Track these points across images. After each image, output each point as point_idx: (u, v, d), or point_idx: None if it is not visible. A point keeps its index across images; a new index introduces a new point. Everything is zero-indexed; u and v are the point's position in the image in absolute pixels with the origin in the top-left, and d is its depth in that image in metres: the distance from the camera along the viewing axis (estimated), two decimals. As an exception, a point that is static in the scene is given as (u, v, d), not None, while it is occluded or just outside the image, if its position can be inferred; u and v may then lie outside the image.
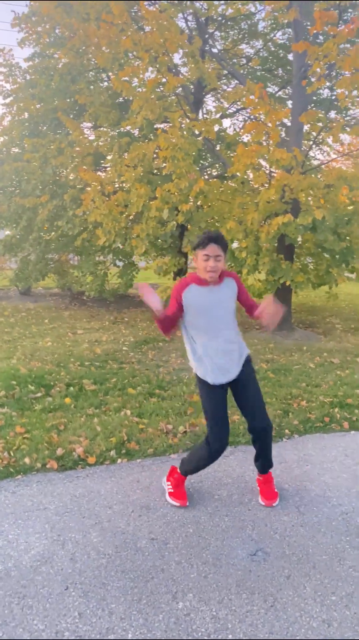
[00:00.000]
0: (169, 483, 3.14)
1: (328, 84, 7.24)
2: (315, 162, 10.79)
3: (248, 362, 3.05)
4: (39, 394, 4.94)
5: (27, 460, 3.54)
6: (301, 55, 7.16)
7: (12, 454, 3.63)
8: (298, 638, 2.00)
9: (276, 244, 7.93)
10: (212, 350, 2.89)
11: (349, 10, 8.60)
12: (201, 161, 10.19)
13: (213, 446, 2.87)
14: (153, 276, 18.97)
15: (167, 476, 3.22)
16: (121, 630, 2.03)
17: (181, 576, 2.37)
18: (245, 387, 2.99)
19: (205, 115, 12.80)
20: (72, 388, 5.16)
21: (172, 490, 3.09)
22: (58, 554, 2.52)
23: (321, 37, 8.33)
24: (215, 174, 11.72)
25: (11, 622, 2.05)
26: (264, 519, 2.87)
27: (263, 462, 3.11)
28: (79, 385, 5.26)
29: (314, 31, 5.82)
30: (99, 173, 9.61)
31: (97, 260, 10.53)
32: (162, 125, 9.17)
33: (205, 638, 1.99)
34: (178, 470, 3.14)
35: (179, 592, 2.26)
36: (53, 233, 10.27)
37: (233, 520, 2.86)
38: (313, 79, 6.96)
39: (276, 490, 3.14)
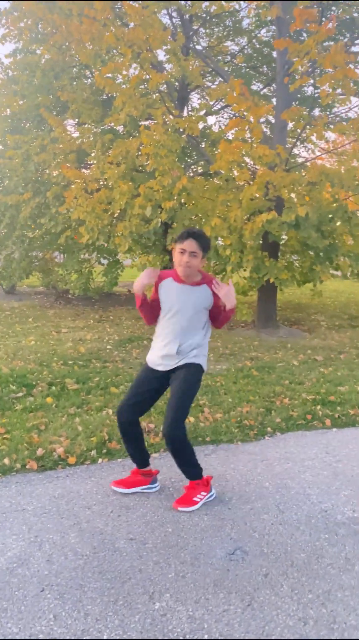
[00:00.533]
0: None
1: (311, 81, 7.25)
2: (300, 160, 10.82)
3: (189, 365, 2.96)
4: (20, 394, 4.89)
5: (6, 461, 3.49)
6: (283, 53, 7.16)
7: (-9, 454, 3.58)
8: (273, 637, 1.99)
9: (260, 242, 7.94)
10: (161, 345, 3.00)
11: (333, 8, 8.62)
12: (186, 158, 10.16)
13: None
14: (138, 274, 18.94)
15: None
16: (96, 632, 2.01)
17: (159, 576, 2.35)
18: (172, 385, 2.97)
19: (190, 113, 12.78)
20: (54, 387, 5.11)
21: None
22: (35, 555, 2.49)
23: (305, 34, 8.34)
24: (200, 171, 11.71)
25: (-16, 626, 2.02)
26: (244, 518, 2.87)
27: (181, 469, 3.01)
28: (61, 384, 5.22)
29: (296, 28, 5.82)
30: (83, 170, 9.55)
31: (82, 259, 10.46)
32: (146, 122, 9.12)
33: (181, 638, 1.98)
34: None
35: (156, 593, 2.24)
36: (37, 231, 10.18)
37: (212, 519, 2.85)
38: (296, 76, 6.96)
39: (193, 499, 2.95)
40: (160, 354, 2.99)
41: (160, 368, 3.01)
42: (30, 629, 2.02)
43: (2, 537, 2.64)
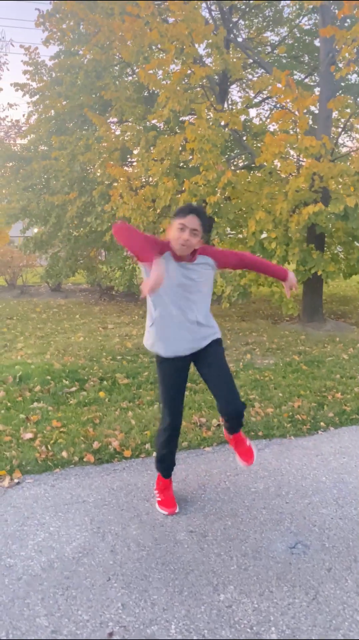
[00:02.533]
0: (156, 491, 3.01)
1: (357, 68, 7.07)
2: (345, 150, 10.57)
3: (215, 342, 2.76)
4: (74, 389, 5.01)
5: (64, 454, 3.60)
6: (328, 41, 7.01)
7: (49, 447, 3.69)
8: (341, 631, 1.99)
9: (306, 234, 7.82)
10: (166, 322, 2.68)
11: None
12: (228, 152, 10.10)
13: (162, 424, 2.81)
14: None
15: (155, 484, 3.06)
16: (164, 622, 2.05)
17: (221, 568, 2.38)
18: (209, 368, 2.74)
19: (230, 106, 12.68)
20: (105, 382, 5.22)
21: (160, 499, 2.94)
22: (99, 546, 2.56)
23: (348, 20, 8.13)
24: (242, 164, 11.62)
25: (56, 613, 2.10)
26: (302, 512, 2.85)
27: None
28: (112, 379, 5.31)
29: (342, 15, 5.68)
30: (126, 168, 9.64)
31: (125, 255, 10.58)
32: (187, 118, 9.12)
33: (248, 630, 2.00)
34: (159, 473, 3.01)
35: (220, 584, 2.27)
36: (82, 229, 10.36)
37: (271, 513, 2.85)
38: (340, 65, 6.80)
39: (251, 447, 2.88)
40: (172, 334, 2.69)
41: (173, 353, 2.73)
42: (99, 616, 2.08)
43: (66, 527, 2.72)
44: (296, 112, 6.17)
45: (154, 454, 3.63)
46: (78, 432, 3.93)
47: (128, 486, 3.18)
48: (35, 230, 12.30)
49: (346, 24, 8.04)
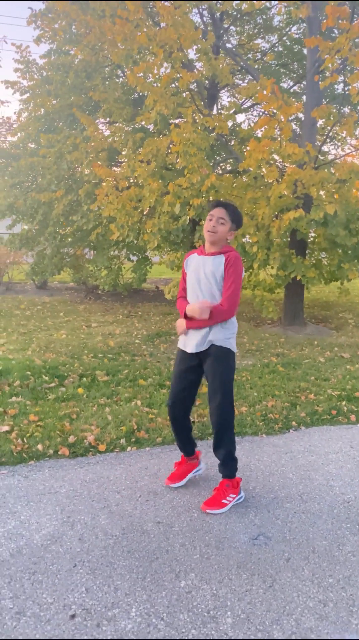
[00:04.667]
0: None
1: (341, 78, 7.23)
2: (331, 157, 10.75)
3: (218, 355, 2.88)
4: (53, 384, 5.07)
5: (39, 446, 3.66)
6: (314, 50, 7.16)
7: (25, 440, 3.76)
8: (293, 617, 2.08)
9: (288, 239, 7.96)
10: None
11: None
12: (215, 156, 10.23)
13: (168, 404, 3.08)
14: (167, 271, 19.07)
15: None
16: (125, 605, 2.13)
17: (185, 557, 2.46)
18: (206, 375, 2.96)
19: (220, 111, 12.81)
20: (84, 379, 5.28)
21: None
22: (67, 534, 2.63)
23: (336, 31, 8.30)
24: (229, 169, 11.75)
25: (22, 596, 2.17)
26: (267, 506, 2.95)
27: None
28: (92, 376, 5.38)
29: (328, 26, 5.83)
30: (114, 169, 9.72)
31: (112, 255, 10.65)
32: (176, 121, 9.22)
33: (205, 614, 2.09)
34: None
35: (182, 572, 2.36)
36: (68, 228, 10.41)
37: (236, 506, 2.95)
38: (327, 74, 6.95)
39: (222, 501, 2.92)
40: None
41: (189, 350, 2.95)
42: (63, 599, 2.16)
43: (36, 516, 2.79)
44: (282, 119, 6.30)
45: (129, 448, 3.73)
46: (55, 427, 3.99)
47: (101, 479, 3.25)
48: (23, 227, 12.30)
49: (333, 35, 8.23)
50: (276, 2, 9.36)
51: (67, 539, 2.59)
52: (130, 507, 2.91)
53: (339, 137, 10.45)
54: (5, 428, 3.94)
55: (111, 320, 9.14)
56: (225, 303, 2.84)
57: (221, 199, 3.28)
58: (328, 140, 11.88)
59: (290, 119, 10.72)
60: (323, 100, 8.78)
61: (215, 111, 11.78)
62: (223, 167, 12.01)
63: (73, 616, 2.07)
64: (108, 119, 9.93)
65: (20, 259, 14.88)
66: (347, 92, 6.86)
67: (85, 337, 7.54)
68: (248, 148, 6.94)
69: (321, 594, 2.23)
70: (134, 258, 10.40)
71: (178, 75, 6.86)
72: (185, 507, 2.92)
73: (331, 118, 6.78)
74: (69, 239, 10.79)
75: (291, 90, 12.22)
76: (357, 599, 2.19)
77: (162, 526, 2.73)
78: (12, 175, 10.56)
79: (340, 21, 5.84)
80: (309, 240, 8.12)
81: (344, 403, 4.75)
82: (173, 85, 7.29)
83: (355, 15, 6.82)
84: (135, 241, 8.95)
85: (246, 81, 12.50)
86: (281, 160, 7.84)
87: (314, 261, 8.79)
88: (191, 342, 2.95)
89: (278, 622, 2.05)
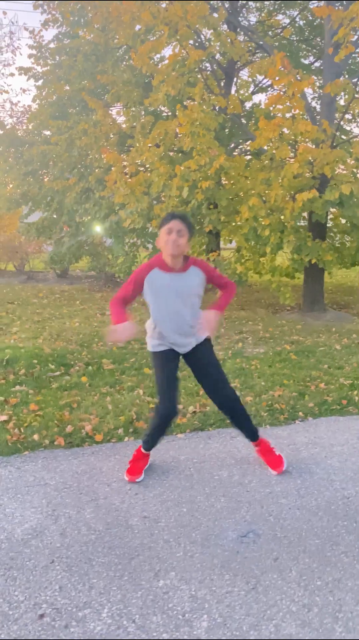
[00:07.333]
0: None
1: (358, 50, 6.86)
2: (351, 136, 10.32)
3: (210, 343, 3.10)
4: (58, 373, 5.02)
5: (35, 436, 3.60)
6: (329, 22, 6.80)
7: (22, 430, 3.71)
8: (273, 622, 1.95)
9: (306, 222, 7.68)
10: (167, 333, 2.96)
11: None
12: (232, 138, 9.93)
13: (161, 410, 2.94)
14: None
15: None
16: (97, 605, 2.04)
17: (167, 555, 2.36)
18: (202, 366, 3.05)
19: (238, 91, 12.46)
20: (90, 367, 5.22)
21: (129, 466, 3.10)
22: (50, 528, 2.56)
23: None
24: (249, 150, 11.43)
25: (-6, 592, 2.10)
26: (261, 501, 2.82)
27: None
28: (98, 364, 5.31)
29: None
30: (123, 155, 9.55)
31: (130, 243, 10.52)
32: (187, 102, 8.97)
33: (180, 616, 1.98)
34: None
35: (162, 571, 2.25)
36: (84, 217, 10.32)
37: (229, 501, 2.82)
38: (343, 46, 6.59)
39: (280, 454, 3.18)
40: (171, 340, 2.98)
41: (184, 349, 3.02)
42: (35, 597, 2.08)
43: (21, 509, 2.73)
44: (293, 95, 6.01)
45: (126, 438, 3.64)
46: (54, 416, 3.93)
47: (93, 470, 3.17)
48: (42, 215, 12.28)
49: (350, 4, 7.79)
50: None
51: (48, 533, 2.52)
52: (118, 501, 2.82)
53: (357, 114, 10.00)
54: (4, 417, 3.90)
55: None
56: (228, 281, 3.07)
57: (171, 211, 3.19)
58: (352, 118, 11.41)
59: (312, 96, 10.35)
60: (343, 75, 8.37)
61: (233, 91, 11.45)
62: (242, 148, 11.68)
63: (42, 616, 1.99)
64: (122, 103, 9.73)
65: (41, 248, 14.95)
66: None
67: (98, 325, 7.48)
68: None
69: (306, 597, 2.09)
70: (150, 246, 10.26)
71: (186, 54, 6.62)
72: (175, 502, 2.81)
73: (347, 94, 6.44)
74: (84, 227, 10.70)
75: (313, 66, 11.77)
76: (344, 604, 2.04)
77: (148, 521, 2.62)
78: (26, 163, 10.51)
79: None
80: (327, 223, 7.82)
81: (356, 392, 4.54)
82: (183, 65, 7.03)
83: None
84: (149, 228, 8.81)
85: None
86: (297, 139, 7.54)
87: (338, 244, 8.48)
88: (184, 341, 2.98)
89: (256, 627, 1.93)
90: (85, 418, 3.93)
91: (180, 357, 3.07)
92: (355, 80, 8.32)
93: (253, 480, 3.05)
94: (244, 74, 13.08)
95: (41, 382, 4.78)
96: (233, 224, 7.08)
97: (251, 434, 3.16)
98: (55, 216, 10.82)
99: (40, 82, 10.64)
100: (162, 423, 2.98)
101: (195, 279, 2.90)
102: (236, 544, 2.44)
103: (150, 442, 3.12)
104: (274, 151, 6.81)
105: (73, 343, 6.27)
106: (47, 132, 11.03)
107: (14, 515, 2.68)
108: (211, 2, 9.02)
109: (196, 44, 7.75)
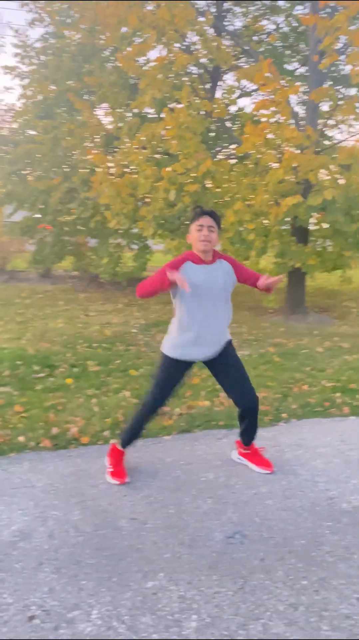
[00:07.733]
0: (109, 464, 3.15)
1: (341, 58, 6.97)
2: (336, 142, 10.47)
3: (229, 344, 3.14)
4: (42, 374, 5.00)
5: (21, 438, 3.60)
6: (315, 30, 6.91)
7: (8, 432, 3.69)
8: (261, 621, 1.99)
9: (289, 227, 7.77)
10: (197, 326, 2.96)
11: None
12: (218, 142, 10.00)
13: (150, 402, 3.02)
14: (168, 259, 18.92)
15: (107, 455, 3.21)
16: (87, 606, 2.05)
17: (155, 556, 2.38)
18: (228, 367, 3.11)
19: (224, 95, 12.54)
20: (75, 369, 5.21)
21: (112, 469, 3.10)
22: (38, 530, 2.56)
23: (340, 8, 8.01)
24: (234, 154, 11.51)
25: (-18, 595, 2.10)
26: (247, 502, 2.86)
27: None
28: (83, 366, 5.30)
29: (326, 3, 5.60)
30: (109, 157, 9.55)
31: (114, 243, 10.49)
32: (173, 105, 9.01)
33: (169, 617, 2.01)
34: (118, 445, 3.17)
35: (150, 572, 2.27)
36: (66, 217, 10.27)
37: (215, 502, 2.85)
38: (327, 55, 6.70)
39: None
40: (202, 335, 2.96)
41: (200, 357, 3.03)
42: (24, 600, 2.09)
43: (8, 511, 2.72)
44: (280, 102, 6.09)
45: (112, 440, 3.65)
46: (39, 418, 3.93)
47: (80, 472, 3.18)
48: (23, 215, 12.18)
49: (336, 14, 7.93)
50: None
51: (37, 535, 2.52)
52: (106, 503, 2.83)
53: (346, 121, 10.14)
54: (-12, 419, 3.88)
55: (110, 309, 9.04)
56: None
57: (202, 206, 3.24)
58: (335, 124, 11.58)
59: (297, 102, 10.47)
60: (328, 82, 8.50)
61: (219, 95, 11.52)
62: (228, 152, 11.75)
63: (32, 618, 2.00)
64: (104, 104, 9.71)
65: (23, 247, 14.80)
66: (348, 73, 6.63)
67: (82, 326, 7.46)
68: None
69: (293, 597, 2.13)
70: (135, 247, 10.26)
71: (172, 58, 6.65)
72: (162, 503, 2.83)
73: (328, 100, 6.53)
74: (69, 227, 10.65)
75: (297, 72, 11.90)
76: (330, 603, 2.09)
77: (136, 523, 2.64)
78: (10, 162, 10.42)
79: (339, -1, 5.61)
80: (311, 228, 7.93)
81: (338, 395, 4.63)
82: (171, 69, 7.06)
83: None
84: (135, 229, 8.80)
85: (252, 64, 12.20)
86: (284, 144, 7.63)
87: (319, 249, 8.59)
88: (203, 350, 3.00)
89: (244, 626, 1.97)
90: (71, 420, 3.93)
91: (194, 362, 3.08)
92: (338, 87, 8.45)
93: (239, 482, 3.09)
94: (229, 77, 13.19)
95: (26, 383, 4.76)
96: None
97: (254, 437, 3.23)
98: (39, 216, 10.74)
99: (25, 82, 10.56)
100: (148, 413, 3.04)
101: (222, 272, 2.96)
102: (224, 545, 2.48)
103: (131, 436, 3.12)
104: (259, 156, 6.89)
105: (57, 344, 6.24)
106: (33, 132, 10.94)
107: (1, 517, 2.67)
108: (198, 3, 9.09)
109: (183, 47, 7.78)
